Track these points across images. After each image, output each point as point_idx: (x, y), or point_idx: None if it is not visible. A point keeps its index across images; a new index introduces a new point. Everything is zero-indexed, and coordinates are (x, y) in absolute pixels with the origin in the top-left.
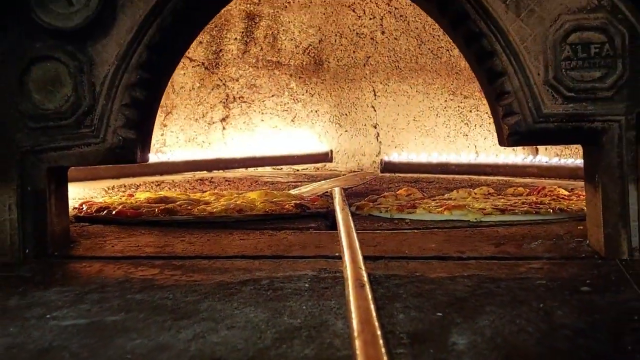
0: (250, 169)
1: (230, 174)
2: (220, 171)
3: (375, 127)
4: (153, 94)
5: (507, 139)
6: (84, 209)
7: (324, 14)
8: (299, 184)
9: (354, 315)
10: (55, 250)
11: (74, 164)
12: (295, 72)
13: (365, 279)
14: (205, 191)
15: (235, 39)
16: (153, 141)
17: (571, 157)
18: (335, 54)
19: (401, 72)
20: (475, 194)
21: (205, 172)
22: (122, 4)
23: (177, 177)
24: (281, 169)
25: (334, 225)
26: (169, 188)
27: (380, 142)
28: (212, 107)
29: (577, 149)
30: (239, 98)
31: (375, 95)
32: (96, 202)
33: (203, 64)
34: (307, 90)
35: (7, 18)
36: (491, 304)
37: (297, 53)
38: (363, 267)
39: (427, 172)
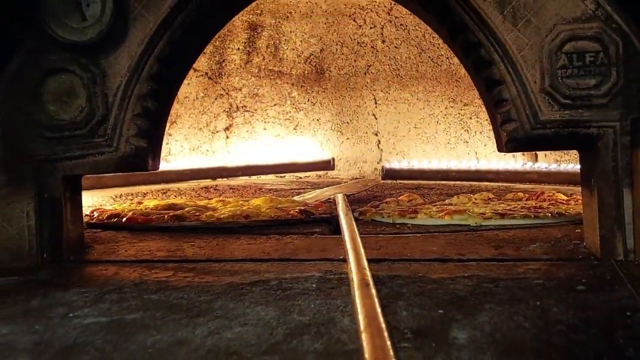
0: (254, 177)
1: (234, 181)
2: (225, 179)
3: (376, 135)
4: (163, 104)
5: (506, 145)
6: (95, 215)
7: (325, 23)
8: (302, 191)
9: (359, 311)
10: (70, 255)
11: (89, 172)
12: (297, 81)
13: (370, 278)
14: (212, 198)
15: (238, 49)
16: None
17: (570, 163)
18: (336, 63)
19: (402, 80)
20: (476, 199)
21: (209, 180)
22: (133, 18)
23: (182, 185)
24: (284, 176)
25: (337, 230)
26: (175, 196)
27: (382, 149)
28: (215, 117)
29: (576, 155)
30: (242, 107)
31: (376, 103)
32: (106, 209)
33: (207, 73)
34: (308, 99)
35: (22, 32)
36: (490, 302)
37: (299, 62)
38: (367, 268)
39: (428, 178)
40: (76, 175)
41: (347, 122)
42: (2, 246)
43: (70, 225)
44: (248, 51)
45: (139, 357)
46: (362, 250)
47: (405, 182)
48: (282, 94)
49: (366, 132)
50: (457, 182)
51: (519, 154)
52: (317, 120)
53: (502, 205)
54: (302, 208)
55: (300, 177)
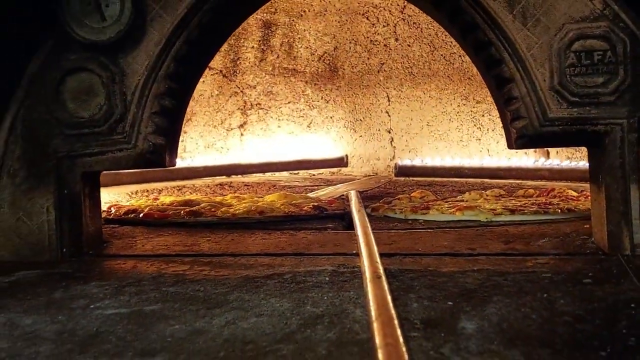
0: (268, 174)
1: (249, 178)
2: (239, 176)
3: (389, 132)
4: (180, 102)
5: (515, 142)
6: (113, 211)
7: (338, 22)
8: (316, 187)
9: (371, 302)
10: (89, 249)
11: (107, 168)
12: (311, 79)
13: (382, 271)
14: (226, 195)
15: (253, 47)
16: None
17: (582, 160)
18: (349, 61)
19: (414, 78)
20: (487, 195)
21: (224, 177)
22: (151, 19)
23: (197, 182)
24: (297, 173)
25: (350, 226)
26: (190, 192)
27: (395, 146)
28: (230, 114)
29: None
30: (257, 105)
31: (389, 100)
32: (123, 205)
33: (221, 71)
34: (322, 97)
35: (43, 32)
36: (498, 294)
37: (313, 60)
38: (379, 262)
39: (441, 175)
40: (95, 172)
41: (361, 120)
42: (23, 241)
43: (89, 221)
44: (262, 49)
45: (159, 345)
46: (374, 245)
47: (418, 179)
48: (296, 91)
49: (379, 130)
50: (470, 179)
51: (531, 151)
52: (331, 117)
53: (513, 201)
54: (316, 204)
55: (314, 175)
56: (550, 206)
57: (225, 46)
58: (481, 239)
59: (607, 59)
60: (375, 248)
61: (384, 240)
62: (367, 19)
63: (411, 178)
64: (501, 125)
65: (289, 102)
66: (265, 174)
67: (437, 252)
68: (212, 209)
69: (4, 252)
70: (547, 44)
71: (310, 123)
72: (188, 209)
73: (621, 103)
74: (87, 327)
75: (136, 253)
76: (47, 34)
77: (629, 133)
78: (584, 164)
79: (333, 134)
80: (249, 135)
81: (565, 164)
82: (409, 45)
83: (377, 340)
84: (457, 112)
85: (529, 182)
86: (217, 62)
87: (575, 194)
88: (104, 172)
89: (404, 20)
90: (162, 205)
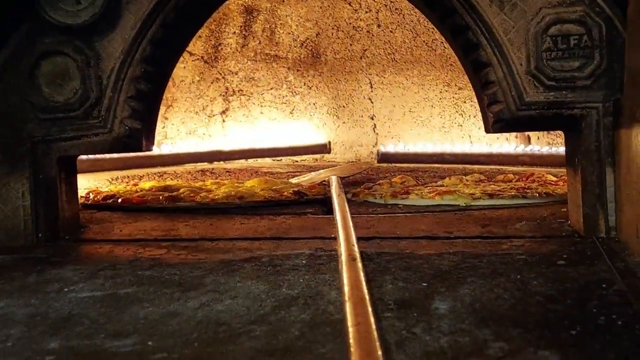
0: (250, 161)
1: (231, 165)
2: (221, 162)
3: (372, 119)
4: (157, 86)
5: (492, 126)
6: (91, 197)
7: (320, 7)
8: (298, 173)
9: (345, 283)
10: (66, 234)
11: (83, 152)
12: (293, 65)
13: (357, 253)
14: (207, 180)
15: (234, 32)
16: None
17: (562, 146)
18: (332, 47)
19: (397, 64)
20: (467, 180)
21: (206, 163)
22: (126, 2)
23: (178, 169)
24: (280, 160)
25: (330, 211)
26: (172, 178)
27: (377, 133)
28: (212, 100)
29: None
30: (239, 91)
31: (371, 87)
32: (102, 190)
33: (202, 57)
34: (305, 83)
35: (18, 15)
36: (473, 275)
37: (295, 46)
38: (356, 245)
39: (423, 162)
40: (71, 156)
41: (343, 106)
42: None
43: (66, 205)
44: (244, 35)
45: (132, 327)
46: (352, 228)
47: (401, 165)
48: (278, 77)
49: (362, 116)
50: (451, 165)
51: (512, 137)
52: (314, 104)
53: (492, 186)
54: (296, 189)
55: (297, 161)
56: (528, 190)
57: (206, 32)
58: (459, 222)
59: (583, 43)
60: (352, 231)
61: (363, 225)
62: (350, 4)
63: (394, 164)
64: None
65: (271, 89)
66: (248, 160)
67: (414, 235)
68: (192, 194)
69: None
70: (523, 28)
71: (293, 109)
72: (167, 194)
73: (597, 87)
74: (60, 310)
75: (113, 238)
76: (22, 17)
77: (605, 117)
78: (564, 149)
79: (316, 121)
80: (231, 121)
81: (546, 149)
82: (391, 32)
83: (349, 320)
84: (440, 99)
85: (510, 168)
86: (198, 48)
87: (554, 178)
88: (82, 157)
89: (386, 6)
90: (142, 190)
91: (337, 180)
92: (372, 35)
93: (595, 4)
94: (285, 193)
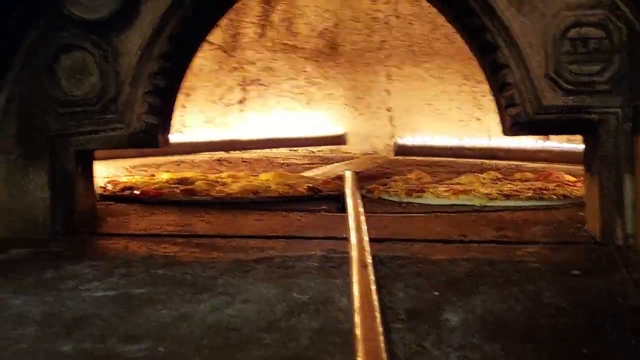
0: (267, 150)
1: (247, 154)
2: (238, 152)
3: (389, 111)
4: (174, 82)
5: (510, 129)
6: (109, 188)
7: None
8: (313, 166)
9: (355, 292)
10: (82, 227)
11: (100, 147)
12: (311, 56)
13: (369, 259)
14: (223, 172)
15: (252, 22)
16: (173, 122)
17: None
18: (350, 38)
19: (415, 56)
20: (484, 178)
21: (223, 152)
22: None
23: (196, 157)
24: (297, 150)
25: (344, 208)
26: (190, 167)
27: (394, 125)
28: (230, 90)
29: None
30: (256, 81)
31: (389, 79)
32: (120, 181)
33: (221, 47)
34: (322, 74)
35: (37, 9)
36: (485, 284)
37: (313, 37)
38: (368, 249)
39: (440, 155)
40: (88, 150)
41: (361, 98)
42: (17, 217)
43: (83, 199)
44: (262, 25)
45: (143, 330)
46: (364, 230)
47: (417, 158)
48: (295, 68)
49: (379, 108)
50: (469, 160)
51: None
52: (331, 95)
53: (509, 185)
54: (310, 185)
55: (313, 152)
56: (546, 191)
57: (225, 21)
58: (474, 225)
59: (603, 47)
60: (365, 234)
61: (376, 225)
62: None
63: (410, 157)
64: None
65: (288, 79)
66: (264, 150)
67: (428, 238)
68: (207, 188)
69: None
70: (542, 30)
71: (310, 100)
72: (183, 187)
73: (616, 92)
74: (74, 310)
75: (129, 232)
76: (44, 10)
77: (624, 122)
78: (583, 146)
79: (333, 111)
80: (249, 111)
81: (566, 145)
82: (410, 23)
83: (358, 332)
84: (458, 92)
85: (528, 164)
86: (217, 37)
87: (572, 179)
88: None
89: None
90: (158, 182)
91: (352, 176)
92: (391, 26)
93: (616, 7)
94: (300, 188)
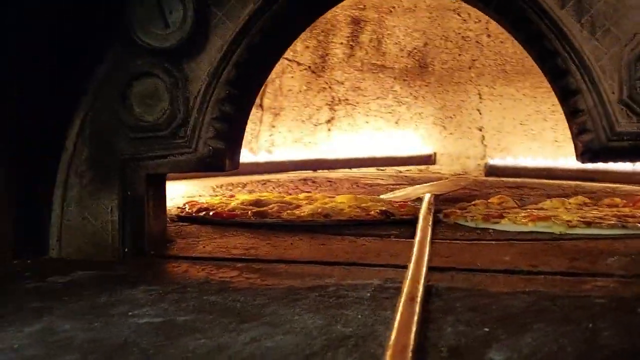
0: (354, 169)
1: (333, 174)
2: (325, 171)
3: (480, 130)
4: (241, 108)
5: (581, 156)
6: (186, 209)
7: (428, 18)
8: (398, 186)
9: (395, 327)
10: (151, 249)
11: (169, 171)
12: (400, 75)
13: (420, 291)
14: (302, 193)
15: (341, 43)
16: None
17: None
18: (440, 57)
19: (507, 75)
20: (570, 203)
21: (310, 171)
22: (214, 25)
23: (282, 176)
24: (384, 170)
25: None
26: (274, 187)
27: (486, 145)
28: (318, 109)
29: None
30: (344, 100)
31: (480, 98)
32: (199, 202)
33: (310, 67)
34: (411, 93)
35: (111, 37)
36: (541, 321)
37: (402, 56)
38: (421, 280)
39: (532, 176)
40: (158, 174)
41: (450, 117)
42: (87, 239)
43: (152, 222)
44: (351, 45)
45: None
46: (425, 259)
47: (508, 179)
48: (384, 87)
49: (470, 127)
50: (563, 182)
51: None
52: (419, 114)
53: (594, 212)
54: (383, 209)
55: (401, 171)
56: (630, 219)
57: (314, 42)
58: (546, 254)
59: None
60: (424, 263)
61: (443, 253)
62: (459, 15)
63: (501, 178)
64: None
65: (377, 98)
66: (352, 169)
67: (494, 268)
68: (279, 211)
69: (69, 249)
70: (616, 55)
71: (398, 119)
72: (255, 210)
73: None
74: (117, 336)
75: (194, 255)
76: (117, 39)
77: None
78: None
79: (421, 131)
80: (336, 130)
81: None
82: (501, 42)
83: None
84: (552, 112)
85: (624, 187)
86: (305, 58)
87: None
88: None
89: None
90: (236, 203)
91: (429, 199)
92: (482, 45)
93: None
94: (372, 212)
